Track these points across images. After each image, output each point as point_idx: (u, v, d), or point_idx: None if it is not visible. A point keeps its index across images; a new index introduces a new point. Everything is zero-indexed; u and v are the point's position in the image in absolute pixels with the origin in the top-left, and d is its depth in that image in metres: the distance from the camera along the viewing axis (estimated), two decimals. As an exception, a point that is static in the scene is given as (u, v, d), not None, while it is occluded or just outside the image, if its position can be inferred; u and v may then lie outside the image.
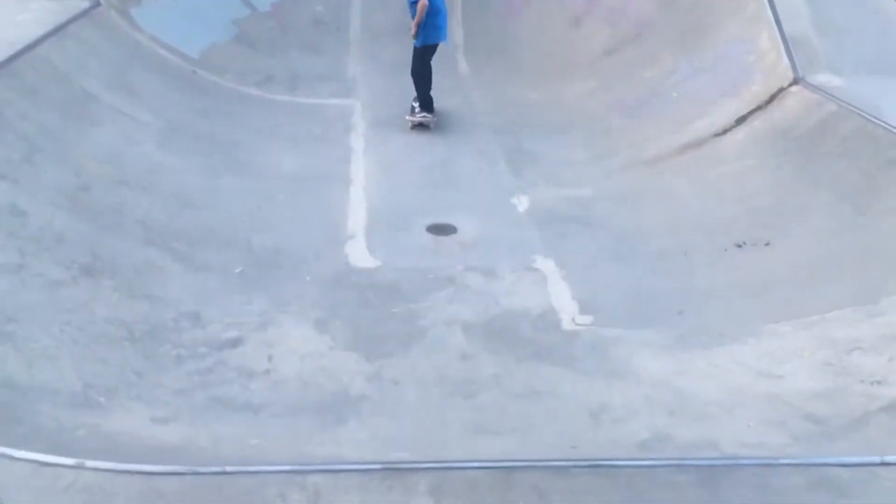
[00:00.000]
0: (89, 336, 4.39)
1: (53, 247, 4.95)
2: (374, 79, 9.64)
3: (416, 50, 8.37)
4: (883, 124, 6.21)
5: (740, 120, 7.46)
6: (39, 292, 4.53)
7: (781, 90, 7.41)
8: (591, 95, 9.25)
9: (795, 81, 7.36)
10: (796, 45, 7.74)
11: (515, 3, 11.20)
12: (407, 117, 8.45)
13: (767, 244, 5.90)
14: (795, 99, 7.22)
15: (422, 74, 8.42)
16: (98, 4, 8.27)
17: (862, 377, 4.27)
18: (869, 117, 6.37)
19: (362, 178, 7.21)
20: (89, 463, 2.90)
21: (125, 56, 8.00)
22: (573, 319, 5.23)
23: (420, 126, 8.40)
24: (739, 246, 5.96)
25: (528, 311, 5.28)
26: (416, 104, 8.52)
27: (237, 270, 5.53)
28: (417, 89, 8.47)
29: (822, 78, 7.29)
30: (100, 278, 4.91)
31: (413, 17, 8.10)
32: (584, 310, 5.33)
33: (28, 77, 6.45)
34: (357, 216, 6.52)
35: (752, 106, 7.51)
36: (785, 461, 3.27)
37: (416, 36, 8.21)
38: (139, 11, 8.95)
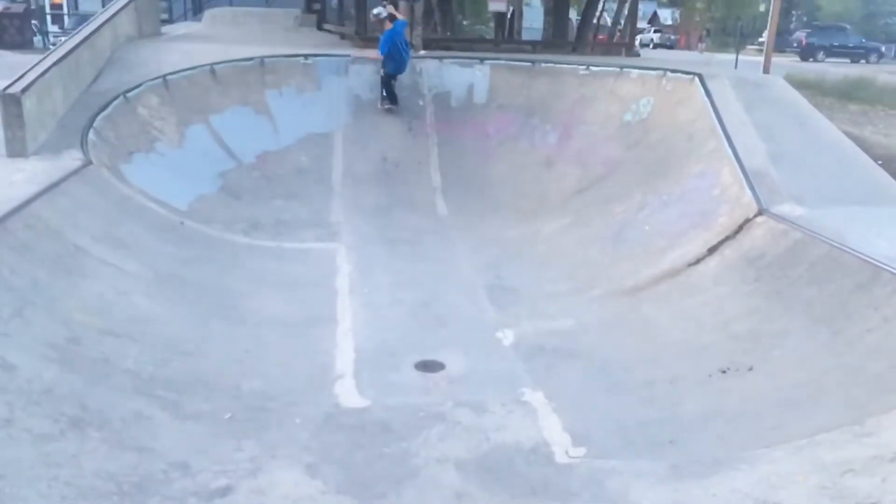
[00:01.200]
0: (77, 491, 4.28)
1: (42, 400, 4.91)
2: (356, 222, 9.97)
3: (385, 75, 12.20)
4: (849, 250, 6.52)
5: (712, 249, 7.77)
6: (27, 447, 4.46)
7: (748, 220, 7.79)
8: (567, 231, 9.62)
9: (760, 212, 7.74)
10: (757, 179, 8.21)
11: (489, 146, 11.85)
12: (379, 105, 12.16)
13: (750, 369, 6.00)
14: (762, 229, 7.58)
15: (388, 83, 12.14)
16: (89, 163, 8.62)
17: (857, 500, 4.26)
18: (834, 244, 6.69)
19: (349, 319, 7.31)
20: None
21: (115, 210, 8.25)
22: (566, 452, 5.21)
23: (388, 110, 12.12)
24: (724, 372, 6.06)
25: (520, 444, 5.26)
26: (384, 93, 12.24)
27: (226, 417, 5.49)
28: (384, 87, 12.19)
29: (785, 208, 7.69)
30: (88, 430, 4.85)
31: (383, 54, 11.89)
32: (576, 441, 5.32)
33: (20, 234, 6.61)
34: (345, 356, 6.56)
35: (722, 236, 7.86)
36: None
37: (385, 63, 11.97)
38: (129, 168, 9.35)
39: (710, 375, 6.06)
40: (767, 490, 4.54)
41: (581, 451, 5.22)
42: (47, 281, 6.30)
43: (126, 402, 5.31)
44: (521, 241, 9.57)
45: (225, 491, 4.65)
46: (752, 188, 8.10)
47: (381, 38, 11.84)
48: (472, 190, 11.06)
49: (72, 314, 6.05)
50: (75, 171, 8.22)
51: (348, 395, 5.96)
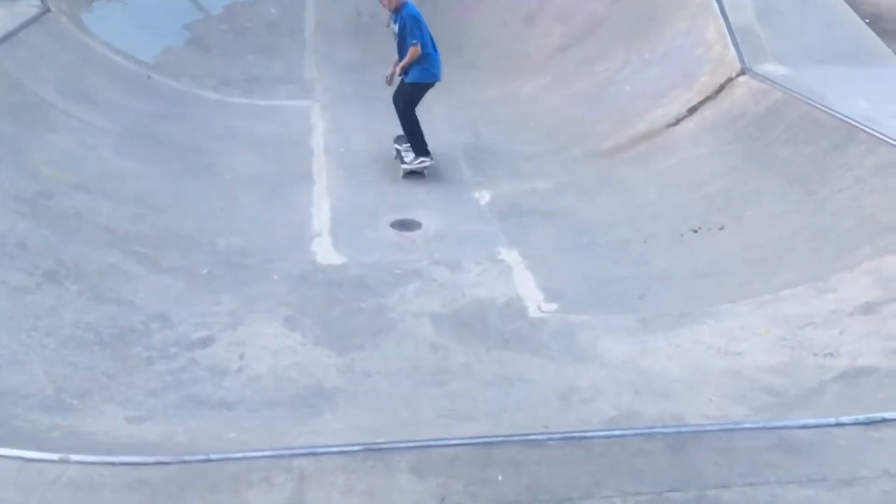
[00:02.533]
0: (58, 340, 4.36)
1: (16, 253, 4.90)
2: (331, 79, 9.67)
3: (406, 86, 7.38)
4: (827, 110, 6.47)
5: (691, 110, 7.68)
6: (4, 299, 4.49)
7: (729, 80, 7.65)
8: (547, 91, 9.41)
9: (743, 71, 7.60)
10: (742, 37, 8.00)
11: (468, 2, 11.34)
12: (402, 166, 7.40)
13: (722, 228, 6.09)
14: (743, 88, 7.46)
15: (410, 115, 7.37)
16: (48, 10, 8.16)
17: (815, 350, 4.47)
18: (814, 104, 6.63)
19: (325, 178, 7.25)
20: (74, 457, 2.91)
21: (78, 61, 7.91)
22: (539, 307, 5.35)
23: (413, 174, 7.38)
24: (695, 231, 6.15)
25: (494, 300, 5.39)
26: (402, 146, 7.52)
27: (204, 272, 5.53)
28: (407, 131, 7.42)
29: (768, 67, 7.55)
30: (65, 283, 4.87)
31: (402, 55, 7.23)
32: (549, 298, 5.45)
33: (-21, 84, 6.37)
34: (321, 215, 6.56)
35: (702, 96, 7.73)
36: (747, 425, 3.44)
37: (408, 72, 7.29)
38: (90, 17, 8.88)
39: (682, 235, 6.15)
40: (730, 342, 4.74)
41: (553, 306, 5.36)
42: (12, 134, 6.13)
43: (102, 257, 5.31)
44: (500, 101, 9.37)
45: (206, 342, 4.76)
46: (736, 46, 7.90)
47: (404, 18, 7.13)
48: (451, 47, 10.59)
49: (40, 168, 5.93)
50: (33, 19, 7.79)
51: (325, 252, 6.00)
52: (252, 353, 4.68)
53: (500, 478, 2.99)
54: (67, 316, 4.58)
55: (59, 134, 6.56)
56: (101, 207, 5.89)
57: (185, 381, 4.37)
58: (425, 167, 7.35)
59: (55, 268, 4.97)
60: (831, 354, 4.39)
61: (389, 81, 7.54)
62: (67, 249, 5.22)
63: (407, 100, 7.35)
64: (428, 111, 8.79)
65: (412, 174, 7.34)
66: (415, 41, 7.02)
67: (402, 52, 7.23)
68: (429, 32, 7.21)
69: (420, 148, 7.35)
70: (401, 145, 7.55)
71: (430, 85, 7.39)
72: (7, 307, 4.46)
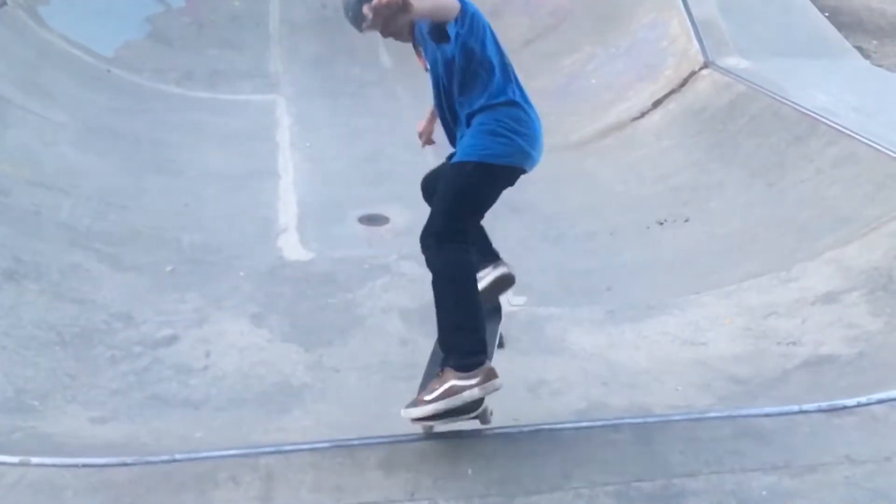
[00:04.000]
0: (17, 341, 4.26)
1: (-28, 252, 4.78)
2: (296, 73, 9.57)
3: (458, 169, 3.36)
4: (789, 103, 6.59)
5: (656, 103, 7.76)
6: (-40, 298, 4.38)
7: (693, 73, 7.75)
8: (513, 84, 9.42)
9: (706, 65, 7.70)
10: (705, 30, 8.10)
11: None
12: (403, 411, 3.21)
13: (687, 220, 6.16)
14: (706, 81, 7.56)
15: (453, 256, 3.17)
16: (4, 3, 7.98)
17: (778, 339, 4.55)
18: (776, 97, 6.75)
19: (291, 172, 7.17)
20: (34, 459, 2.85)
21: (35, 56, 7.75)
22: (507, 301, 5.34)
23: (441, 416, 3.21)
24: (661, 223, 6.21)
25: (463, 294, 5.37)
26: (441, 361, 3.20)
27: (168, 269, 5.45)
28: (442, 296, 3.18)
29: (731, 61, 7.65)
30: (24, 282, 4.76)
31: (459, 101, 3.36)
32: (517, 291, 5.41)
33: (-69, 79, 6.20)
34: (288, 210, 6.49)
35: (667, 89, 7.82)
36: (712, 415, 3.49)
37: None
38: (47, 10, 8.69)
39: (647, 227, 6.21)
40: (695, 332, 4.80)
41: (521, 299, 5.37)
42: (-33, 130, 5.97)
43: (62, 255, 5.20)
44: (467, 95, 9.36)
45: (170, 340, 4.69)
46: (699, 39, 8.01)
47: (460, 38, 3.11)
48: (416, 40, 10.65)
49: (-3, 165, 5.79)
50: (-12, 13, 7.61)
51: (292, 248, 5.94)
52: (218, 350, 4.62)
53: (469, 472, 2.99)
54: (27, 315, 4.48)
55: (15, 129, 6.41)
56: (61, 204, 5.77)
57: (150, 381, 4.30)
58: (485, 395, 3.06)
59: (13, 266, 4.86)
60: (794, 343, 4.47)
61: (424, 143, 4.22)
62: (26, 247, 5.10)
63: (452, 206, 3.28)
64: (394, 103, 8.68)
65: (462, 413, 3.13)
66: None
67: (460, 91, 3.32)
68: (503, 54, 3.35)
69: (471, 345, 3.08)
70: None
71: (515, 172, 3.51)
72: (-36, 307, 4.35)
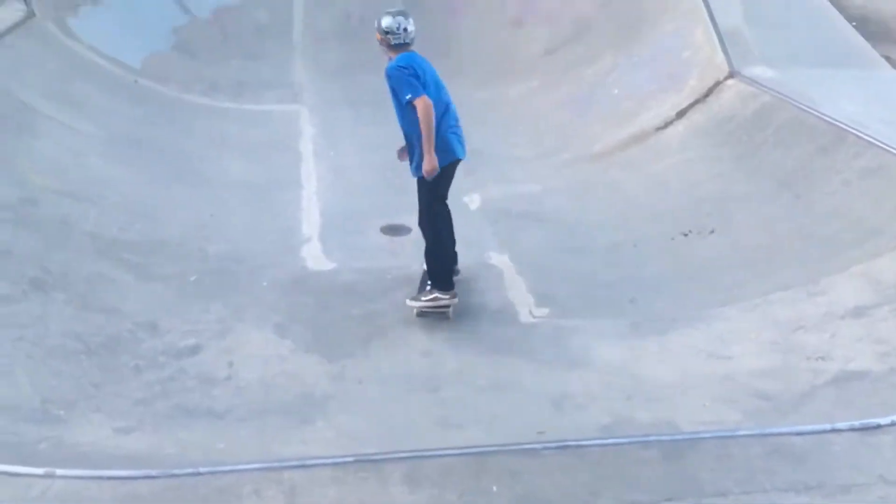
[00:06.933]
0: (44, 350, 4.30)
1: (0, 261, 4.83)
2: (319, 83, 9.63)
3: (421, 181, 5.19)
4: (815, 113, 6.50)
5: (680, 113, 7.69)
6: (-11, 308, 4.43)
7: (718, 83, 7.67)
8: (535, 94, 9.40)
9: (731, 75, 7.62)
10: (730, 39, 8.02)
11: (455, 4, 11.31)
12: (408, 301, 5.21)
13: (712, 232, 6.09)
14: (731, 91, 7.48)
15: (434, 221, 5.24)
16: (33, 15, 8.09)
17: (807, 354, 4.47)
18: (802, 107, 6.66)
19: (314, 183, 7.20)
20: (60, 471, 2.86)
21: (64, 67, 7.85)
22: (530, 312, 5.33)
23: (425, 314, 5.18)
24: (685, 235, 6.15)
25: (486, 305, 5.36)
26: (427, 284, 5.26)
27: (192, 279, 5.48)
28: (426, 250, 5.28)
29: (756, 70, 7.57)
30: (51, 292, 4.81)
31: (408, 131, 5.09)
32: (540, 302, 5.43)
33: (-37, 90, 6.29)
34: (311, 220, 6.51)
35: (691, 99, 7.75)
36: (743, 432, 3.43)
37: (413, 157, 5.19)
38: (76, 22, 8.82)
39: (672, 238, 6.15)
40: (720, 345, 4.74)
41: (545, 311, 5.34)
42: (-3, 140, 6.05)
43: (89, 265, 5.25)
44: (488, 104, 9.33)
45: (194, 350, 4.71)
46: (724, 49, 7.93)
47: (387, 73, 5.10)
48: (438, 50, 10.57)
49: (25, 174, 5.86)
50: (18, 24, 7.73)
51: (315, 258, 5.96)
52: (241, 361, 4.64)
53: (494, 488, 2.97)
54: (54, 325, 4.52)
55: (44, 140, 6.49)
56: (88, 214, 5.82)
57: (174, 391, 4.32)
58: (443, 309, 5.15)
59: (41, 276, 4.91)
60: (823, 358, 4.39)
61: (401, 158, 5.53)
62: (54, 257, 5.15)
63: (425, 198, 5.22)
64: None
65: (426, 314, 5.17)
66: (410, 96, 4.83)
67: (401, 120, 5.12)
68: (439, 93, 5.15)
69: (440, 277, 5.17)
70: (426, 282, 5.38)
71: (453, 166, 5.24)
72: (-7, 316, 4.40)
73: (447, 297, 5.12)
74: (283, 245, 6.10)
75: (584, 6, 10.39)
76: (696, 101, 7.70)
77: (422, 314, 5.15)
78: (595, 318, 5.25)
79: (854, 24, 9.09)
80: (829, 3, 8.98)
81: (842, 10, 8.95)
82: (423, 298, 5.15)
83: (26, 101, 6.77)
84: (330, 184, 7.22)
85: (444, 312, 5.15)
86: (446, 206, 5.31)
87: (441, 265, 5.23)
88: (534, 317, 5.29)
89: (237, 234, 6.18)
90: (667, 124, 7.69)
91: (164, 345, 4.71)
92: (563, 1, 10.70)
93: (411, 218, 6.58)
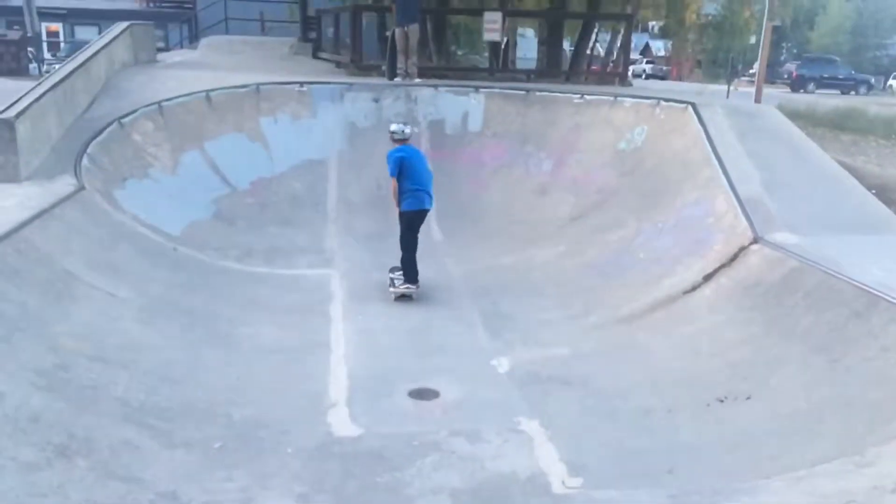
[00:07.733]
0: (62, 521, 4.19)
1: (28, 428, 4.81)
2: (350, 249, 9.94)
3: (400, 215, 8.55)
4: (845, 278, 6.49)
5: (707, 277, 7.74)
6: (13, 476, 4.35)
7: (743, 248, 7.78)
8: (561, 258, 9.59)
9: (755, 240, 7.73)
10: (751, 207, 8.21)
11: (484, 174, 11.86)
12: (390, 290, 8.49)
13: (748, 398, 5.94)
14: (757, 256, 7.56)
15: (405, 242, 8.51)
16: (82, 188, 8.58)
17: (860, 531, 4.20)
18: (830, 272, 6.67)
19: (342, 346, 7.23)
20: None
21: (107, 235, 8.19)
22: (563, 482, 5.12)
23: (403, 297, 8.47)
24: (721, 401, 6.00)
25: (516, 474, 5.18)
26: (395, 275, 8.61)
27: (216, 446, 5.39)
28: (402, 258, 8.51)
29: (780, 236, 7.68)
30: (75, 459, 4.74)
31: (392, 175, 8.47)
32: (572, 471, 5.23)
33: (10, 259, 6.54)
34: (338, 384, 6.48)
35: (717, 264, 7.83)
36: None
37: (399, 203, 8.50)
38: (122, 193, 9.32)
39: (707, 404, 6.00)
40: (768, 521, 4.47)
41: (578, 480, 5.14)
42: (37, 307, 6.23)
43: (115, 431, 5.21)
44: (516, 269, 9.53)
45: (214, 521, 4.54)
46: (746, 216, 8.10)
47: (390, 157, 8.52)
48: (467, 216, 11.05)
49: (61, 340, 5.96)
50: (68, 197, 8.17)
51: (341, 423, 5.87)
52: (262, 533, 4.46)
53: None
54: (74, 495, 4.42)
55: (82, 306, 6.66)
56: (119, 379, 5.86)
57: (191, 566, 4.13)
58: (412, 293, 8.47)
59: (66, 442, 4.86)
60: (877, 535, 4.12)
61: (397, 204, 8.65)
62: (80, 423, 5.13)
63: (401, 228, 8.59)
64: (445, 276, 8.99)
65: (403, 298, 8.43)
66: (389, 173, 8.48)
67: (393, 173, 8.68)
68: (417, 168, 8.48)
69: (411, 276, 8.47)
70: (394, 274, 8.63)
71: (422, 213, 8.53)
72: (15, 485, 4.31)
73: (414, 287, 8.46)
74: (310, 410, 6.03)
75: (607, 175, 10.83)
76: (723, 266, 7.78)
77: (398, 298, 8.40)
78: (630, 488, 5.02)
79: (874, 191, 9.30)
80: (847, 172, 9.23)
81: (861, 178, 9.19)
82: (400, 287, 8.44)
83: (69, 269, 7.03)
84: (358, 346, 7.24)
85: (410, 296, 8.45)
86: (416, 235, 8.54)
87: (410, 267, 8.45)
88: (566, 487, 5.08)
89: (264, 398, 6.14)
90: (694, 288, 7.73)
91: (183, 515, 4.57)
92: (587, 171, 11.17)
93: (438, 381, 6.57)
